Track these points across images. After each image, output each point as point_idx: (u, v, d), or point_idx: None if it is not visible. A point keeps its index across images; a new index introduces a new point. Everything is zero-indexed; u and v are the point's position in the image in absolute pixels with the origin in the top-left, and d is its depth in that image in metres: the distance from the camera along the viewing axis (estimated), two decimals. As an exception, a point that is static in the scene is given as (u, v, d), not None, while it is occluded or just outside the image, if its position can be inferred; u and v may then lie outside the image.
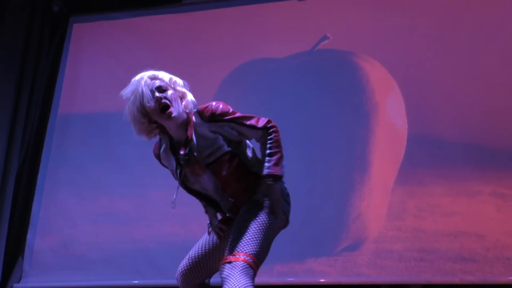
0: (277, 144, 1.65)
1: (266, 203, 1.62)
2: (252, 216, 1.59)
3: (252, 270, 1.49)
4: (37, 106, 3.69)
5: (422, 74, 3.06)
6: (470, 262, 2.63)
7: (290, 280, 2.82)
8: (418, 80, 3.06)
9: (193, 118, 1.69)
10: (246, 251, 1.50)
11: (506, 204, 2.70)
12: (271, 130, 1.67)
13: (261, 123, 1.67)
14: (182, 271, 1.77)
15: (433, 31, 3.13)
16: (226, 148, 1.66)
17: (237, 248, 1.51)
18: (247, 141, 1.76)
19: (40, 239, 3.29)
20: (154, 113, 1.66)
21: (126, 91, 1.69)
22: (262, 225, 1.58)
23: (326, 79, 3.23)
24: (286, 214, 1.70)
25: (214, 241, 1.78)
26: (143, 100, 1.64)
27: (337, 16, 3.33)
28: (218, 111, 1.65)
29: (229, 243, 1.56)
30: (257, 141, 1.72)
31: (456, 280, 2.62)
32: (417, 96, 3.03)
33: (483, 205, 2.73)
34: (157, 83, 1.68)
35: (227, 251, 1.54)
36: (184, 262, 1.78)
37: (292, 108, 3.19)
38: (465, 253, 2.66)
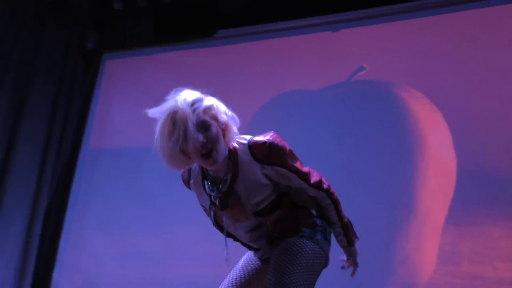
0: (341, 209, 1.60)
1: (307, 243, 1.47)
2: (298, 257, 1.44)
3: None
4: (68, 141, 3.68)
5: (469, 105, 2.83)
6: (538, 315, 2.32)
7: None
8: (465, 111, 2.82)
9: (240, 153, 1.44)
10: None
11: None
12: (331, 191, 1.57)
13: (325, 184, 1.56)
14: None
15: (478, 60, 2.93)
16: (276, 191, 1.48)
17: None
18: None
19: (65, 279, 3.15)
20: (194, 156, 1.38)
21: (163, 121, 1.39)
22: (309, 269, 1.44)
23: (364, 111, 3.05)
24: (326, 252, 1.55)
25: (242, 280, 1.59)
26: (186, 141, 1.35)
27: (372, 46, 3.18)
28: (274, 151, 1.42)
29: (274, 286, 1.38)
30: (313, 195, 1.57)
31: (521, 335, 2.30)
32: (465, 128, 2.79)
33: (548, 249, 2.43)
34: (201, 116, 1.37)
35: None
36: None
37: (328, 142, 3.02)
38: (531, 304, 2.34)
